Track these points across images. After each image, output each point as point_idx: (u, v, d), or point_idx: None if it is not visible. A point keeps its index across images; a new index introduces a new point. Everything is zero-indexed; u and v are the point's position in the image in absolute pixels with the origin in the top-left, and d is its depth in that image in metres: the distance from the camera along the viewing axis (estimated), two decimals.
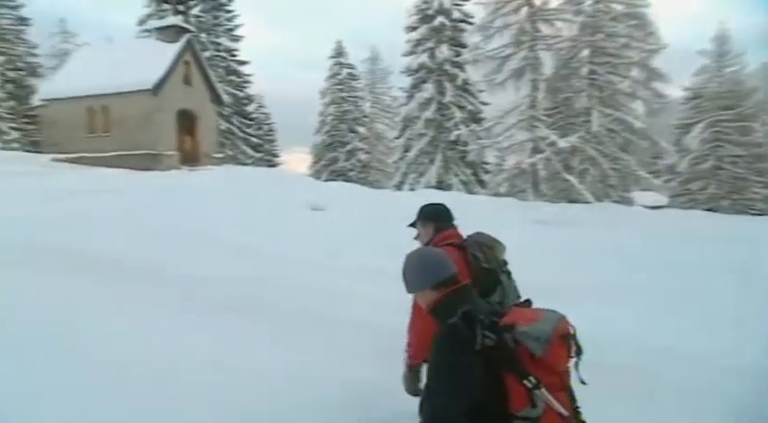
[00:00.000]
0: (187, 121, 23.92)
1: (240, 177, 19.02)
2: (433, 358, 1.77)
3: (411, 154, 28.73)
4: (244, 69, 37.29)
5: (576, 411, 1.75)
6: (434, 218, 2.97)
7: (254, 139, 37.69)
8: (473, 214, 12.55)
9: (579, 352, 1.75)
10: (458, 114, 27.66)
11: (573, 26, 23.09)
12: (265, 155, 39.45)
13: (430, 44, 28.15)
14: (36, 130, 29.72)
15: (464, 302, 1.79)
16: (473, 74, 26.72)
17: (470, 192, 25.91)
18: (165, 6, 25.01)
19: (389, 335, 3.46)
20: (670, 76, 22.92)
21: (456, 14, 28.21)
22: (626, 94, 22.29)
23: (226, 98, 27.51)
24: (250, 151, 36.40)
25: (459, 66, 27.80)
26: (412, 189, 26.58)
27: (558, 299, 2.52)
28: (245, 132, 36.74)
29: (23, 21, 34.33)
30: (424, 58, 28.14)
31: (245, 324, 5.26)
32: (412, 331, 2.73)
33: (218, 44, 35.54)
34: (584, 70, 22.10)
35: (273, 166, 39.88)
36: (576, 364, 1.76)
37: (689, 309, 6.41)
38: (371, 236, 11.14)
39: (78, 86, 22.71)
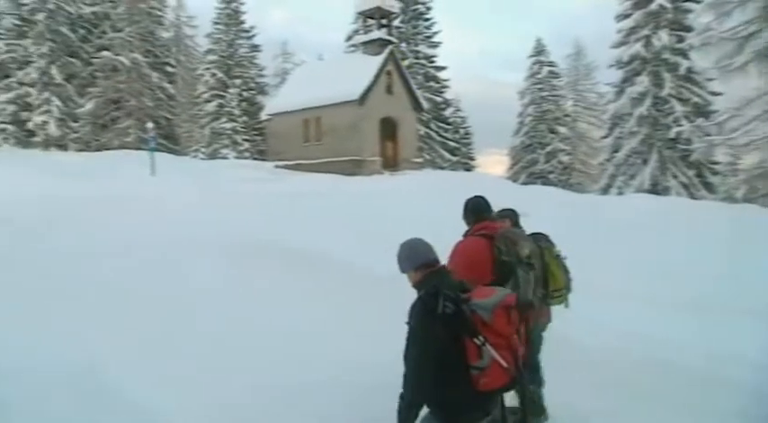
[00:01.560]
0: (389, 128, 25.03)
1: (438, 181, 19.15)
2: (410, 321, 2.35)
3: (620, 154, 25.96)
4: (441, 75, 38.00)
5: (517, 366, 2.30)
6: (474, 210, 3.33)
7: (451, 143, 38.05)
8: (702, 223, 10.44)
9: (522, 321, 2.47)
10: (679, 108, 24.12)
11: None
12: (462, 158, 39.54)
13: (645, 31, 25.06)
14: (262, 141, 34.21)
15: (437, 281, 2.39)
16: (700, 61, 22.95)
17: (693, 196, 22.38)
18: (370, 21, 26.47)
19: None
20: None
21: None
22: None
23: (425, 104, 28.13)
24: (447, 155, 36.84)
25: (683, 53, 24.20)
26: (620, 193, 23.99)
27: None
28: (442, 136, 37.33)
29: (255, 47, 39.85)
30: (637, 47, 25.16)
31: None
32: None
33: (418, 52, 36.76)
34: None
35: (470, 169, 39.77)
36: None
37: None
38: (576, 245, 10.05)
39: (296, 101, 25.50)
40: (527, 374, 3.00)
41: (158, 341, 4.71)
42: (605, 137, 28.31)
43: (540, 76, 40.55)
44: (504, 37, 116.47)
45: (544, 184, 35.07)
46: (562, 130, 40.33)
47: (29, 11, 33.13)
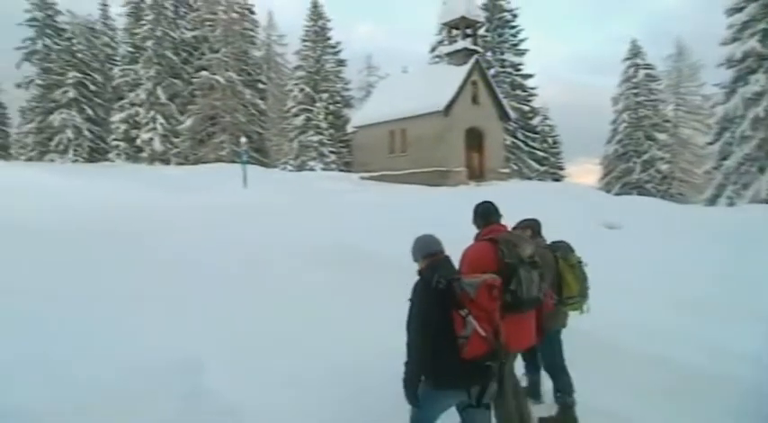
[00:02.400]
0: (475, 138, 24.52)
1: (527, 191, 18.37)
2: (412, 297, 2.90)
3: (731, 162, 23.68)
4: (528, 83, 36.91)
5: (497, 338, 2.77)
6: (483, 215, 3.61)
7: (539, 153, 36.74)
8: None
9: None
10: None
11: None
12: (550, 167, 38.03)
13: (762, 25, 22.80)
14: (348, 153, 34.83)
15: (439, 266, 2.97)
16: None
17: None
18: (455, 32, 26.18)
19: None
20: None
21: None
22: None
23: (511, 113, 27.34)
24: (535, 165, 35.60)
25: None
26: (731, 203, 21.86)
27: None
28: (529, 146, 36.16)
29: (341, 62, 40.84)
30: (752, 43, 22.92)
31: None
32: None
33: (504, 60, 35.98)
34: None
35: (559, 179, 38.15)
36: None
37: None
38: (682, 261, 9.17)
39: (381, 113, 25.69)
40: (532, 360, 4.34)
41: (248, 340, 5.00)
42: (712, 143, 25.95)
43: (635, 79, 38.21)
44: (595, 41, 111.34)
45: (640, 194, 32.92)
46: (661, 136, 37.66)
47: (140, 39, 36.19)
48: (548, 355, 4.08)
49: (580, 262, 4.14)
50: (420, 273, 3.02)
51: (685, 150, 39.29)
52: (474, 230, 3.64)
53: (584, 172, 65.62)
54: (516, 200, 15.32)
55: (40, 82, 37.09)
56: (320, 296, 6.38)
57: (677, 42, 41.36)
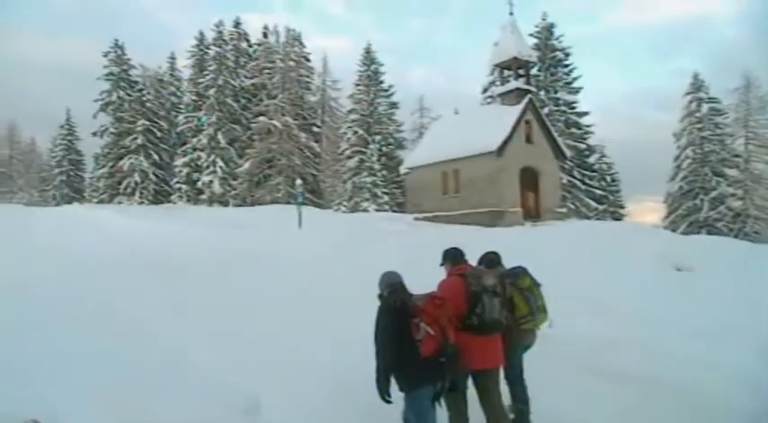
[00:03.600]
0: (530, 178, 24.02)
1: (587, 231, 17.70)
2: (378, 314, 3.78)
3: None
4: (584, 120, 36.17)
5: (444, 337, 3.67)
6: (452, 258, 4.50)
7: (597, 191, 35.56)
8: None
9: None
10: None
11: None
12: (609, 206, 36.63)
13: None
14: (401, 194, 34.89)
15: (396, 291, 3.85)
16: None
17: None
18: (506, 72, 26.11)
19: None
20: None
21: None
22: None
23: (567, 152, 26.71)
24: (593, 204, 34.42)
25: None
26: None
27: None
28: (587, 184, 35.11)
29: (393, 105, 41.50)
30: None
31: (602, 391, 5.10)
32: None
33: (557, 99, 35.50)
34: None
35: (619, 218, 36.66)
36: None
37: None
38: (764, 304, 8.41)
39: (434, 154, 25.70)
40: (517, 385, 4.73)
41: (301, 377, 5.23)
42: None
43: (699, 114, 36.65)
44: (656, 75, 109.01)
45: (710, 233, 31.12)
46: (731, 172, 35.67)
47: (203, 87, 38.30)
48: (508, 367, 4.57)
49: (537, 285, 4.75)
50: (381, 297, 3.93)
51: (759, 186, 36.90)
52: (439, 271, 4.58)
53: (645, 210, 62.84)
54: (578, 241, 14.84)
55: (113, 130, 39.72)
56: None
57: (745, 74, 39.53)
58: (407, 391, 3.72)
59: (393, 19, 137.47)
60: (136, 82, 41.75)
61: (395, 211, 32.80)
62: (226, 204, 35.35)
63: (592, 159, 36.36)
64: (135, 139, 38.01)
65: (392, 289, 3.89)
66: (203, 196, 36.25)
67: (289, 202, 31.86)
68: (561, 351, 5.99)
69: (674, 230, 31.80)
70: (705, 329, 7.21)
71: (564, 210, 26.31)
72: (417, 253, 12.98)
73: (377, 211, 32.81)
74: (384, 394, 3.65)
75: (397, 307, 3.69)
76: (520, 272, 4.73)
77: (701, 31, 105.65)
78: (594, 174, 36.12)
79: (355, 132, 38.27)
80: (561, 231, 17.84)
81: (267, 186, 36.36)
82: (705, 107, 36.66)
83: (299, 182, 23.73)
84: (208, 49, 40.98)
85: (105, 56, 41.67)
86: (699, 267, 12.26)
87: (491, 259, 4.82)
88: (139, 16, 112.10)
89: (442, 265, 4.56)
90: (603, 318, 7.82)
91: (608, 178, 37.86)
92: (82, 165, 49.58)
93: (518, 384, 4.67)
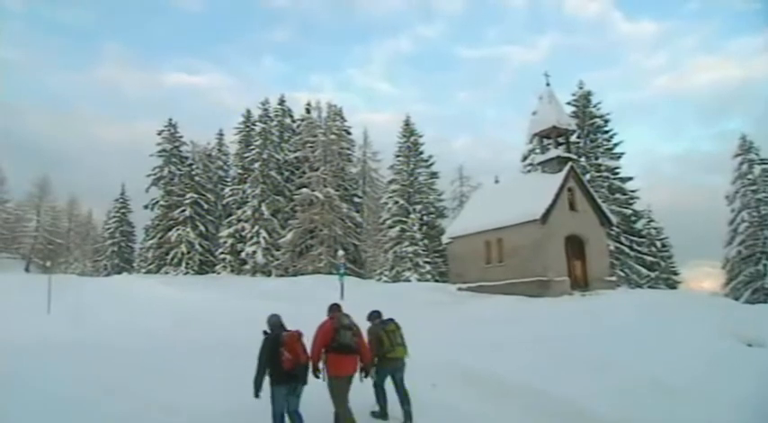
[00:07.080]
0: (576, 246, 23.35)
1: (642, 302, 16.67)
2: (262, 343, 5.92)
3: None
4: (628, 185, 35.47)
5: (296, 359, 5.85)
6: (330, 310, 6.67)
7: (648, 257, 34.20)
8: None
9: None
10: None
11: None
12: (662, 273, 35.04)
13: None
14: (443, 263, 34.42)
15: (275, 328, 6.11)
16: None
17: None
18: (546, 141, 26.13)
19: None
20: None
21: None
22: None
23: (613, 218, 26.00)
24: (644, 270, 33.03)
25: None
26: None
27: None
28: (635, 250, 33.88)
29: (434, 174, 41.94)
30: None
31: None
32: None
33: (599, 165, 35.12)
34: None
35: (673, 285, 34.95)
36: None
37: None
38: None
39: (476, 223, 25.44)
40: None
41: None
42: None
43: (751, 176, 35.50)
44: (704, 137, 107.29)
45: None
46: None
47: (249, 161, 39.86)
48: (376, 382, 6.84)
49: (398, 328, 7.06)
50: (264, 333, 5.98)
51: None
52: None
53: (701, 276, 59.27)
54: (633, 315, 13.86)
55: (162, 203, 41.42)
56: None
57: None
58: (272, 386, 5.77)
59: (436, 91, 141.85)
60: (186, 157, 43.94)
61: (437, 281, 32.26)
62: (268, 274, 35.64)
63: (639, 225, 35.29)
64: (183, 211, 39.41)
65: (272, 327, 6.07)
66: (246, 266, 36.75)
67: (330, 272, 31.85)
68: None
69: (737, 299, 29.99)
70: None
71: (614, 278, 25.26)
72: (468, 329, 12.65)
73: (419, 280, 32.33)
74: (257, 391, 5.75)
75: (271, 338, 5.87)
76: (388, 321, 7.11)
77: (746, 93, 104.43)
78: (643, 239, 34.92)
79: (396, 202, 38.60)
80: (615, 304, 16.78)
81: (309, 256, 36.61)
82: (758, 168, 35.53)
83: (340, 253, 23.84)
84: (254, 125, 42.99)
85: (159, 134, 44.30)
86: None
87: (373, 313, 7.32)
88: (195, 97, 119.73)
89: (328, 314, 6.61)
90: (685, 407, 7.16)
91: (658, 243, 36.53)
92: (133, 236, 51.52)
93: (381, 394, 6.91)
